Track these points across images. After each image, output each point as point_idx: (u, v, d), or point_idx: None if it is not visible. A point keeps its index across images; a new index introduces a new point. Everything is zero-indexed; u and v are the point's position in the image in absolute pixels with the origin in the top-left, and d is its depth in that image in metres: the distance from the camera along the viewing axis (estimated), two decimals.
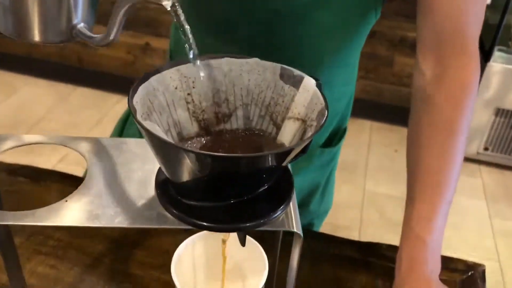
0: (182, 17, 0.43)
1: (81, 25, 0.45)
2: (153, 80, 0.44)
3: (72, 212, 0.43)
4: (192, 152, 0.37)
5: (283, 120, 0.47)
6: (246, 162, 0.38)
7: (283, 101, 0.47)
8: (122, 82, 2.69)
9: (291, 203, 0.45)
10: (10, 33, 0.44)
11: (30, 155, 2.28)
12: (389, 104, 2.65)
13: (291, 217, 0.44)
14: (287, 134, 0.46)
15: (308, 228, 0.99)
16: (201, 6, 0.72)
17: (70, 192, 0.45)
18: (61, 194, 0.43)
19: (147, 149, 0.41)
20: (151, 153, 0.41)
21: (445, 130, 0.63)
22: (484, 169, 2.43)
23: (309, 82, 0.45)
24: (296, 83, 0.46)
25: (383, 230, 2.04)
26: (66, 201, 0.44)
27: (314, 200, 0.95)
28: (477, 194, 2.30)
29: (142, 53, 2.67)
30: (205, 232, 0.54)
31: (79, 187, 0.45)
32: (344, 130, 0.93)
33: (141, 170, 0.48)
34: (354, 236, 2.02)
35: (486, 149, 2.37)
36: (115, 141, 0.52)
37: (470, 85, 0.64)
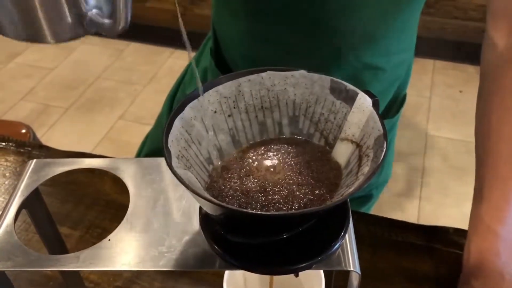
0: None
1: (92, 12, 0.38)
2: (189, 108, 0.40)
3: (116, 255, 0.41)
4: (230, 209, 0.33)
5: (335, 139, 0.42)
6: (293, 217, 0.34)
7: (334, 118, 0.42)
8: (173, 35, 2.66)
9: (346, 235, 0.41)
10: (23, 38, 0.40)
11: (85, 129, 2.33)
12: (453, 41, 2.46)
13: (348, 253, 0.40)
14: (342, 155, 0.41)
15: (366, 201, 0.95)
16: None
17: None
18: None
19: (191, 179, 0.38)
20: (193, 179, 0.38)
21: None
22: None
23: (364, 101, 0.39)
24: (349, 99, 0.41)
25: (447, 178, 1.96)
26: (109, 240, 0.42)
27: None
28: None
29: (190, 3, 2.60)
30: None
31: (122, 222, 0.43)
32: (404, 97, 0.86)
33: (185, 197, 0.45)
34: (416, 185, 1.95)
35: None
36: (157, 161, 0.49)
37: None
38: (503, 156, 0.56)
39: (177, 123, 0.39)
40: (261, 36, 0.72)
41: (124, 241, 0.42)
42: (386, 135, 0.36)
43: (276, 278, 0.50)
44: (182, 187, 0.44)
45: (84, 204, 0.79)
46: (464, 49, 2.44)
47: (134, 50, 2.74)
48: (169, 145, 0.37)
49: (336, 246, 0.40)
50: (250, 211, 0.33)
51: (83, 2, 0.38)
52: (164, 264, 0.40)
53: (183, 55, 2.64)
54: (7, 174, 0.86)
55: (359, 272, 0.39)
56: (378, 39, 0.70)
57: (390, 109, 0.84)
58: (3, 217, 0.44)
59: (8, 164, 0.88)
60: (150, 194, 0.46)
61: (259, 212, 0.36)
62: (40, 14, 0.38)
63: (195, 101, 0.41)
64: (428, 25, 2.44)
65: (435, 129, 2.20)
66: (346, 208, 0.42)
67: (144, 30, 2.70)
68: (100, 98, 2.42)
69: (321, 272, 0.51)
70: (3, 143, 0.92)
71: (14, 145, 0.92)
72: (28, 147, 0.91)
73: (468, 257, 0.60)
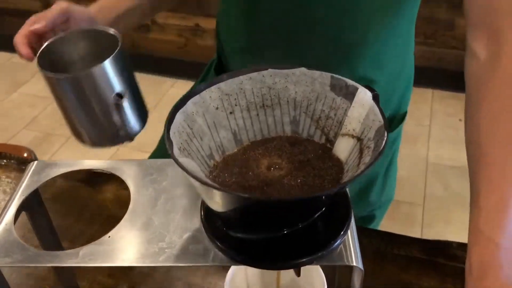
0: None
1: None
2: (191, 103, 0.41)
3: (115, 251, 0.40)
4: (236, 194, 0.33)
5: (335, 136, 0.42)
6: (294, 203, 0.34)
7: (335, 115, 0.42)
8: (176, 65, 2.69)
9: (348, 231, 0.40)
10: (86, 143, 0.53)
11: (86, 155, 2.34)
12: (452, 70, 2.49)
13: (350, 248, 0.40)
14: (343, 151, 0.41)
15: (368, 222, 0.94)
16: None
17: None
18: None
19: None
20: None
21: (506, 119, 0.55)
22: None
23: (364, 95, 0.40)
24: (349, 95, 0.41)
25: (449, 205, 1.94)
26: (109, 236, 0.41)
27: (374, 190, 0.90)
28: None
29: (192, 34, 2.65)
30: None
31: (122, 220, 0.43)
32: (404, 114, 0.86)
33: (186, 196, 0.45)
34: (418, 212, 1.94)
35: None
36: (158, 162, 0.49)
37: None
38: (495, 162, 0.56)
39: (178, 116, 0.39)
40: (259, 51, 0.73)
41: (124, 238, 0.42)
42: (387, 125, 0.36)
43: (281, 280, 0.50)
44: (184, 186, 0.44)
45: (85, 219, 0.78)
46: (463, 78, 2.47)
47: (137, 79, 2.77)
48: (171, 136, 0.37)
49: (338, 241, 0.39)
50: (254, 196, 0.33)
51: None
52: (164, 259, 0.40)
53: (185, 85, 2.65)
54: (8, 190, 0.85)
55: (362, 268, 0.39)
56: (368, 47, 0.70)
57: (390, 125, 0.84)
58: (3, 216, 0.44)
59: (9, 180, 0.88)
60: (151, 193, 0.46)
61: (261, 197, 0.35)
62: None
63: (197, 96, 0.41)
64: (427, 56, 2.48)
65: (435, 157, 2.20)
66: (348, 206, 0.42)
67: (147, 61, 2.73)
68: None
69: (322, 273, 0.50)
70: (5, 160, 0.92)
71: (15, 162, 0.92)
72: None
73: (470, 271, 0.59)
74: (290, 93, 0.44)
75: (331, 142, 0.43)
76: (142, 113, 0.55)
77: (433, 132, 2.32)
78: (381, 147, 0.35)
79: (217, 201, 0.36)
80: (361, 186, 0.87)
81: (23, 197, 0.46)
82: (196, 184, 0.34)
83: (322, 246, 0.39)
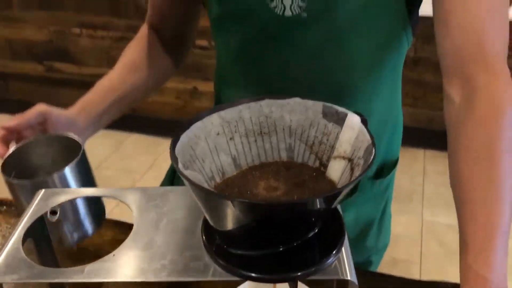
0: None
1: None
2: (195, 127, 0.44)
3: (119, 268, 0.42)
4: (235, 200, 0.36)
5: (328, 159, 0.45)
6: (293, 207, 0.36)
7: (327, 140, 0.46)
8: (173, 127, 2.74)
9: (343, 248, 0.42)
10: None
11: None
12: (441, 131, 2.54)
13: (344, 263, 0.42)
14: (335, 172, 0.44)
15: (365, 268, 0.95)
16: None
17: (121, 240, 0.45)
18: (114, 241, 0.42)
19: (193, 197, 0.41)
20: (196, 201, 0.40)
21: (484, 158, 0.59)
22: None
23: (353, 119, 0.43)
24: (340, 120, 0.45)
25: (445, 262, 1.94)
26: (114, 255, 0.43)
27: (371, 235, 0.91)
28: None
29: (190, 97, 2.73)
30: None
31: (126, 240, 0.45)
32: (396, 161, 0.89)
33: (187, 219, 0.47)
34: (415, 270, 1.93)
35: None
36: (161, 190, 0.51)
37: (502, 103, 0.59)
38: (477, 203, 0.59)
39: (183, 138, 0.42)
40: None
41: (127, 256, 0.43)
42: (375, 143, 0.39)
43: None
44: (185, 209, 0.47)
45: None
46: None
47: (135, 141, 2.82)
48: (176, 154, 0.40)
49: (332, 257, 0.41)
50: (255, 201, 0.35)
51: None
52: (166, 275, 0.41)
53: None
54: (7, 235, 0.86)
55: (356, 282, 0.41)
56: (357, 97, 0.75)
57: (382, 171, 0.87)
58: (10, 238, 0.46)
59: (8, 226, 0.89)
60: (153, 216, 0.48)
61: (262, 201, 0.38)
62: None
63: (200, 122, 0.44)
64: (417, 117, 2.55)
65: (430, 215, 2.21)
66: (341, 224, 0.44)
67: (144, 122, 2.80)
68: (100, 186, 2.44)
69: None
70: (5, 207, 0.94)
71: (15, 208, 0.93)
72: None
73: None
74: (285, 121, 0.47)
75: (324, 165, 0.46)
76: (93, 219, 0.61)
77: (427, 190, 2.35)
78: (370, 161, 0.38)
79: (219, 213, 0.39)
80: (358, 230, 0.89)
81: (30, 223, 0.48)
82: (201, 195, 0.37)
83: (317, 261, 0.41)
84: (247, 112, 0.47)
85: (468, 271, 0.58)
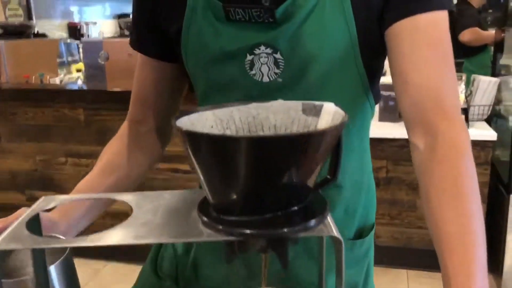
0: None
1: None
2: (192, 116, 0.50)
3: (120, 236, 0.45)
4: (241, 138, 0.41)
5: None
6: (281, 141, 0.42)
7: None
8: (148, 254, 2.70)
9: (328, 217, 0.46)
10: None
11: None
12: (421, 249, 2.59)
13: (329, 223, 0.45)
14: None
15: None
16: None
17: None
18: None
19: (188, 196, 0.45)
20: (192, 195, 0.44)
21: (452, 195, 0.65)
22: None
23: (328, 106, 0.50)
24: (318, 112, 0.52)
25: None
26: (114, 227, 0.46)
27: None
28: None
29: None
30: None
31: (127, 220, 0.48)
32: (372, 225, 0.93)
33: (183, 208, 0.51)
34: None
35: None
36: (157, 194, 0.55)
37: (461, 145, 0.68)
38: (453, 236, 0.63)
39: (183, 119, 0.48)
40: None
41: (128, 229, 0.46)
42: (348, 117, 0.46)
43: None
44: (182, 202, 0.51)
45: None
46: (433, 256, 2.55)
47: (111, 270, 2.75)
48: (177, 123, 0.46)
49: (318, 218, 0.45)
50: (247, 135, 0.41)
51: None
52: (164, 238, 0.44)
53: None
54: None
55: (341, 238, 0.44)
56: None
57: (362, 232, 0.91)
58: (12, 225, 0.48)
59: None
60: (151, 207, 0.51)
61: (252, 135, 0.43)
62: None
63: (196, 114, 0.51)
64: (395, 236, 2.60)
65: None
66: (324, 201, 0.49)
67: (122, 250, 2.76)
68: None
69: None
70: None
71: None
72: None
73: None
74: (270, 121, 0.54)
75: None
76: None
77: None
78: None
79: (217, 165, 0.43)
80: None
81: (27, 219, 0.51)
82: (201, 142, 0.42)
83: (303, 222, 0.44)
84: (237, 113, 0.54)
85: None
